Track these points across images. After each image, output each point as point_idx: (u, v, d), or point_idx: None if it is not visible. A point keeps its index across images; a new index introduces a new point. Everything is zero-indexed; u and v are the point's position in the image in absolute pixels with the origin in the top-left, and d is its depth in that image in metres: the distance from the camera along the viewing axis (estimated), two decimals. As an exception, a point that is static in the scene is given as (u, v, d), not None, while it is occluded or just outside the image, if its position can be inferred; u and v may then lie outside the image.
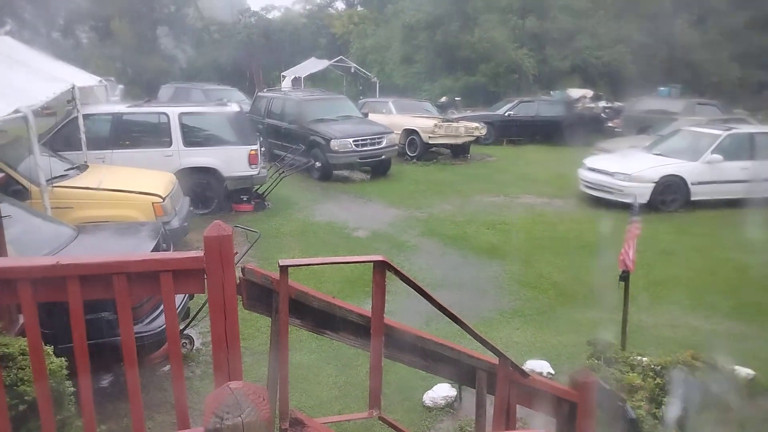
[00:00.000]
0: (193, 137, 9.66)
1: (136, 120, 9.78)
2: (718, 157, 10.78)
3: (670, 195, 10.65)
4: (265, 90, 18.15)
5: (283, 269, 2.24)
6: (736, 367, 4.36)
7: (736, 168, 10.80)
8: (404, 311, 4.67)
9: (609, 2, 28.50)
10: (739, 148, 11.06)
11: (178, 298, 4.33)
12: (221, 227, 2.14)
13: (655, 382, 3.87)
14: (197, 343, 5.26)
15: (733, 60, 27.15)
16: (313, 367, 5.04)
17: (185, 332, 5.01)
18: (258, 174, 9.95)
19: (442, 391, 4.56)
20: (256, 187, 10.33)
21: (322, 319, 2.55)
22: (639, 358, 4.19)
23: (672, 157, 11.14)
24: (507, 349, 3.01)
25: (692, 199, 10.70)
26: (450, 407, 4.51)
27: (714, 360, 3.67)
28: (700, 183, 10.70)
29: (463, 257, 8.20)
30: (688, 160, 10.92)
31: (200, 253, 2.15)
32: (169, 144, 9.42)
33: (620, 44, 27.32)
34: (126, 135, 9.51)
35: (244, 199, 10.11)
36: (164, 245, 5.09)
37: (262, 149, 10.92)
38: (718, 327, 6.08)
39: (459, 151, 16.28)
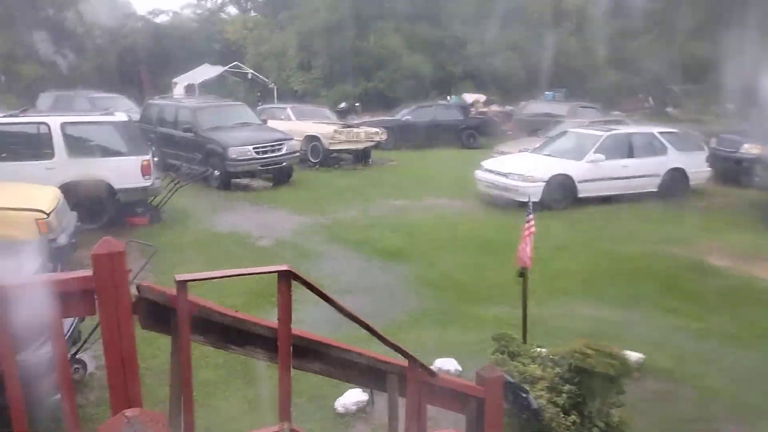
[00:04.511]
0: (79, 148, 9.07)
1: (12, 131, 9.06)
2: (600, 156, 11.55)
3: (560, 193, 11.27)
4: (156, 98, 17.36)
5: (181, 284, 2.13)
6: (627, 352, 4.66)
7: (617, 166, 11.63)
8: (312, 319, 4.62)
9: (495, 11, 29.89)
10: (618, 147, 11.93)
11: (68, 321, 4.03)
12: (112, 243, 2.01)
13: (554, 371, 4.06)
14: (91, 368, 4.92)
15: (608, 66, 29.27)
16: (220, 383, 4.86)
17: (77, 357, 4.67)
18: (152, 185, 9.49)
19: (353, 397, 4.54)
20: (151, 198, 9.85)
21: (227, 333, 2.45)
22: (539, 349, 4.38)
23: (560, 158, 11.82)
24: (415, 350, 3.04)
25: (579, 196, 11.39)
26: (362, 412, 4.50)
27: (605, 346, 3.90)
28: (585, 181, 11.42)
29: (369, 261, 8.25)
30: (574, 160, 11.63)
31: (89, 273, 2.00)
32: (51, 156, 8.79)
33: (508, 51, 28.67)
34: (2, 147, 8.78)
35: (139, 211, 9.61)
36: (50, 265, 4.73)
37: (155, 159, 10.45)
38: (608, 315, 6.50)
39: (360, 157, 16.39)
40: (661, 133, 12.54)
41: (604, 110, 21.21)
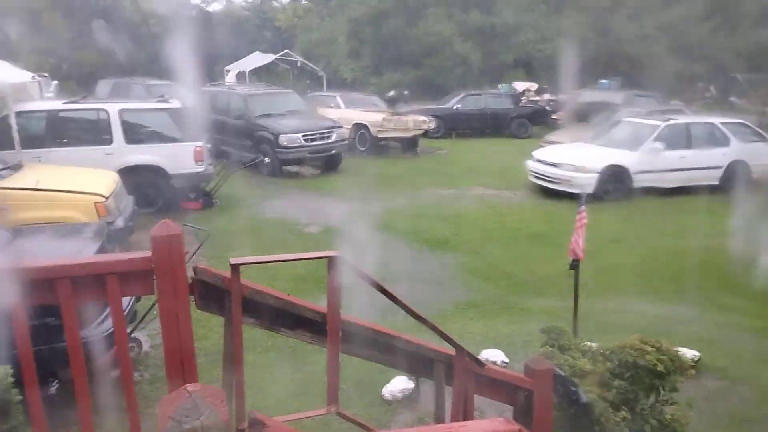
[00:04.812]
0: (135, 134, 9.38)
1: (73, 117, 9.41)
2: (658, 146, 11.17)
3: (614, 184, 10.95)
4: (209, 85, 17.72)
5: (235, 268, 2.18)
6: (682, 349, 4.52)
7: (675, 157, 11.22)
8: (360, 305, 4.64)
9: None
10: (677, 138, 11.50)
11: (125, 300, 4.18)
12: (170, 226, 2.06)
13: (605, 366, 3.97)
14: (146, 347, 5.09)
15: (668, 53, 28.17)
16: (268, 365, 4.96)
17: (133, 335, 4.84)
18: (205, 171, 9.72)
19: (399, 384, 4.56)
20: (204, 184, 10.09)
21: (277, 316, 2.50)
22: (589, 343, 4.29)
23: (615, 148, 11.48)
24: (462, 339, 3.02)
25: (634, 187, 11.04)
26: (408, 399, 4.51)
27: (660, 343, 3.78)
28: (641, 172, 11.06)
29: (417, 250, 8.24)
30: (629, 150, 11.27)
31: (148, 254, 2.07)
32: (110, 142, 9.11)
33: (561, 38, 27.95)
34: (63, 133, 9.16)
35: (192, 196, 9.85)
36: (109, 246, 4.90)
37: (208, 145, 10.68)
38: (662, 311, 6.31)
39: (409, 145, 16.35)
40: (723, 123, 12.03)
41: (663, 99, 20.45)
